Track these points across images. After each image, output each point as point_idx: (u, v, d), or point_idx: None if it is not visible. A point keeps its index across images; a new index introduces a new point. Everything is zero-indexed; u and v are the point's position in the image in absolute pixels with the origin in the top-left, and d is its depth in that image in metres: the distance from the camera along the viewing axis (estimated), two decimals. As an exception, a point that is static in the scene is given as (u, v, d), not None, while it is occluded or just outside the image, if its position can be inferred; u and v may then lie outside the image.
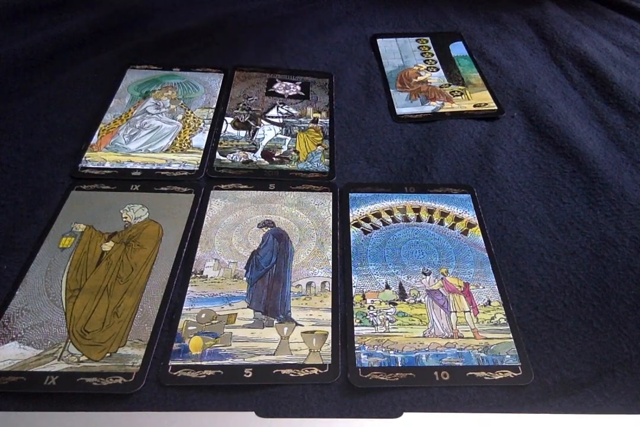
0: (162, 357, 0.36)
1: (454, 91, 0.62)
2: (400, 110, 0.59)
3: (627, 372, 0.36)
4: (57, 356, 0.36)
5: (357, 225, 0.47)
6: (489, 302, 0.41)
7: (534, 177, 0.51)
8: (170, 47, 0.67)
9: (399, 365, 0.36)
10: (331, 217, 0.47)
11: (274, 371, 0.35)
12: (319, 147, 0.54)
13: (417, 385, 0.35)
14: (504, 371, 0.36)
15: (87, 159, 0.50)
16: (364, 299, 0.41)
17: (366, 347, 0.37)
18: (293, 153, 0.53)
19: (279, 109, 0.58)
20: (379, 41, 0.71)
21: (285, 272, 0.42)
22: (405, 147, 0.54)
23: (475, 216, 0.48)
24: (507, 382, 0.36)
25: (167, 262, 0.42)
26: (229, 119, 0.56)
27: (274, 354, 0.37)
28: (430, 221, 0.47)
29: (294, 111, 0.58)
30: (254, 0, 0.78)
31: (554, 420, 0.34)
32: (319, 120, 0.57)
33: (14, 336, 0.37)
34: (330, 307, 0.40)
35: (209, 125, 0.55)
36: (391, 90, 0.62)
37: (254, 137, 0.54)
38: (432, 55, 0.69)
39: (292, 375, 0.35)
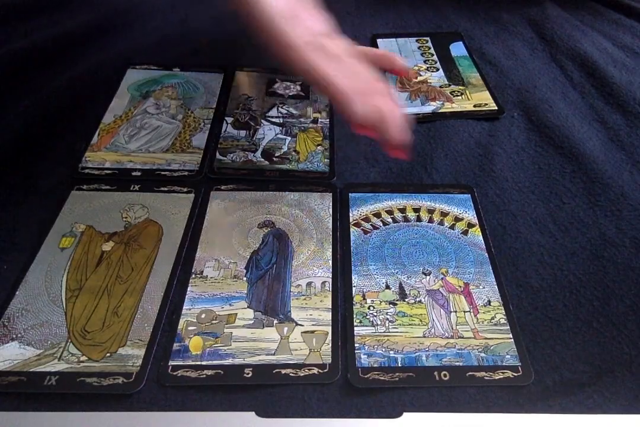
0: (162, 357, 0.36)
1: (454, 91, 0.62)
2: (400, 110, 0.59)
3: (627, 372, 0.36)
4: (57, 356, 0.36)
5: (357, 225, 0.47)
6: (489, 302, 0.41)
7: (534, 177, 0.51)
8: (170, 47, 0.67)
9: (399, 365, 0.36)
10: (331, 217, 0.47)
11: (274, 371, 0.36)
12: (319, 147, 0.54)
13: (417, 385, 0.35)
14: (504, 371, 0.36)
15: (87, 159, 0.50)
16: (364, 299, 0.41)
17: (366, 347, 0.37)
18: (293, 153, 0.53)
19: (279, 109, 0.58)
20: (379, 41, 0.71)
21: (285, 272, 0.42)
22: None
23: (475, 215, 0.48)
24: (507, 382, 0.36)
25: (167, 262, 0.42)
26: (229, 119, 0.56)
27: (274, 354, 0.37)
28: (430, 221, 0.47)
29: (294, 111, 0.58)
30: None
31: (554, 420, 0.34)
32: (319, 120, 0.57)
33: (14, 336, 0.37)
34: (330, 307, 0.40)
35: (209, 125, 0.55)
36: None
37: (254, 137, 0.54)
38: (432, 55, 0.69)
39: (292, 375, 0.35)
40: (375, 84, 0.43)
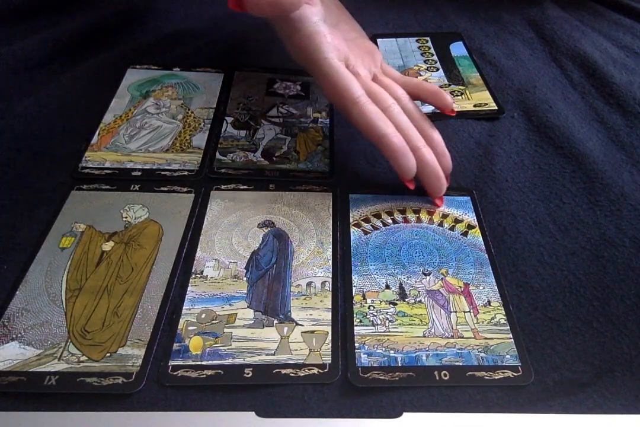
0: (162, 357, 0.36)
1: (454, 91, 0.62)
2: (400, 111, 0.59)
3: (627, 372, 0.36)
4: (57, 356, 0.36)
5: (357, 225, 0.47)
6: (489, 302, 0.41)
7: (534, 177, 0.51)
8: (170, 47, 0.67)
9: (399, 364, 0.36)
10: (331, 218, 0.47)
11: (274, 371, 0.36)
12: (319, 147, 0.54)
13: (417, 384, 0.35)
14: (504, 370, 0.36)
15: (87, 158, 0.50)
16: (364, 298, 0.41)
17: (366, 347, 0.37)
18: (293, 153, 0.53)
19: (279, 108, 0.58)
20: (379, 41, 0.71)
21: (285, 272, 0.42)
22: (405, 147, 0.54)
23: (474, 217, 0.48)
24: (507, 382, 0.36)
25: (167, 262, 0.42)
26: (229, 119, 0.56)
27: (274, 354, 0.37)
28: (430, 222, 0.47)
29: (294, 111, 0.58)
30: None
31: (554, 420, 0.34)
32: (319, 120, 0.57)
33: (14, 336, 0.37)
34: (330, 307, 0.40)
35: (209, 125, 0.55)
36: (391, 91, 0.62)
37: (254, 137, 0.54)
38: (432, 55, 0.69)
39: (292, 375, 0.35)
40: (424, 132, 0.46)
